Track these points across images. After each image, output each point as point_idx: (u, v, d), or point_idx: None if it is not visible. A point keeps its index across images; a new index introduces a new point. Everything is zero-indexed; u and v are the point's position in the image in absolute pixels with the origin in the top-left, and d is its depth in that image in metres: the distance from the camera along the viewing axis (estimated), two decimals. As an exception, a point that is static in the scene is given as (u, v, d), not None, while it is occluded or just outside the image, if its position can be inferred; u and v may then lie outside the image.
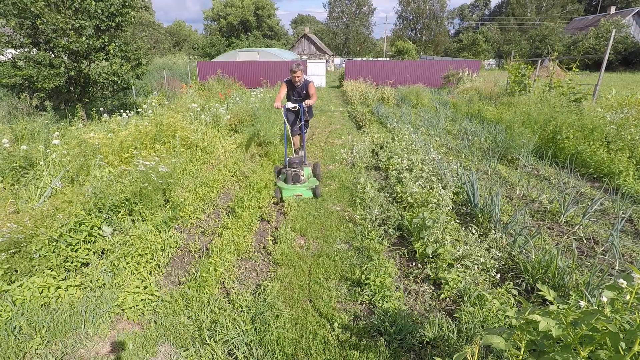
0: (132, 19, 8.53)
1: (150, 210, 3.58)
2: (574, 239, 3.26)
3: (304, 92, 5.38)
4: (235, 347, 2.10)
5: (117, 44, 8.39)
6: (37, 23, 7.14)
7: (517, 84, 10.66)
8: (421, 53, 50.92)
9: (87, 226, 3.02)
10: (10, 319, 2.26)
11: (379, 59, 38.86)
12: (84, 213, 3.10)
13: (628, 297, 1.18)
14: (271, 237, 3.49)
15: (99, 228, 3.11)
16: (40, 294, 2.46)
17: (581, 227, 3.47)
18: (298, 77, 5.18)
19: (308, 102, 5.06)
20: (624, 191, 4.21)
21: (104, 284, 2.66)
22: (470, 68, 17.75)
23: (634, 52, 30.25)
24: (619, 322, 1.15)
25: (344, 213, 3.97)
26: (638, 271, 1.15)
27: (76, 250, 2.85)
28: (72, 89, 8.48)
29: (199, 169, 5.22)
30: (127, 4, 8.24)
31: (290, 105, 5.08)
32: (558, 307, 1.27)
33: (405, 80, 17.81)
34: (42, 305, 2.42)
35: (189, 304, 2.47)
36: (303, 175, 4.51)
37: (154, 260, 2.96)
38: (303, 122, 5.32)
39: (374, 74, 18.35)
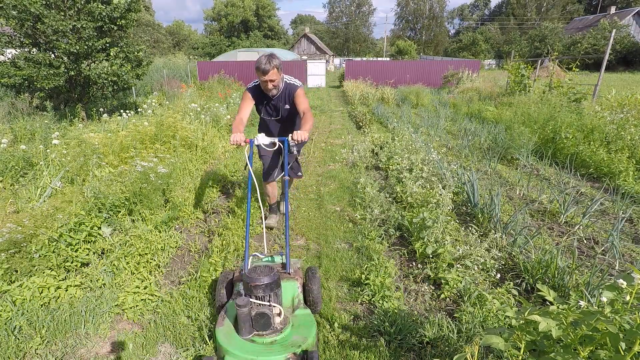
0: (134, 22, 8.55)
1: (150, 210, 3.58)
2: (574, 239, 3.26)
3: (287, 106, 2.98)
4: (235, 347, 2.10)
5: (119, 46, 8.40)
6: (38, 24, 7.14)
7: (517, 84, 10.65)
8: (421, 53, 50.95)
9: (87, 226, 3.02)
10: (10, 319, 2.26)
11: (379, 59, 38.92)
12: (83, 213, 3.10)
13: (628, 297, 1.18)
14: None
15: (99, 228, 3.11)
16: (40, 294, 2.46)
17: (581, 227, 3.47)
18: (273, 82, 2.75)
19: (299, 135, 2.48)
20: (624, 191, 4.21)
21: (104, 284, 2.66)
22: (470, 68, 17.76)
23: (634, 52, 30.28)
24: (619, 322, 1.15)
25: (344, 213, 3.97)
26: (638, 271, 1.15)
27: (76, 250, 2.85)
28: (72, 89, 8.49)
29: (199, 169, 5.22)
30: (131, 8, 8.26)
31: (263, 140, 2.53)
32: (558, 307, 1.27)
33: (405, 80, 17.81)
34: (42, 305, 2.41)
35: (189, 304, 2.47)
36: (280, 315, 1.87)
37: (154, 260, 2.96)
38: (287, 168, 2.54)
39: (374, 74, 18.36)
